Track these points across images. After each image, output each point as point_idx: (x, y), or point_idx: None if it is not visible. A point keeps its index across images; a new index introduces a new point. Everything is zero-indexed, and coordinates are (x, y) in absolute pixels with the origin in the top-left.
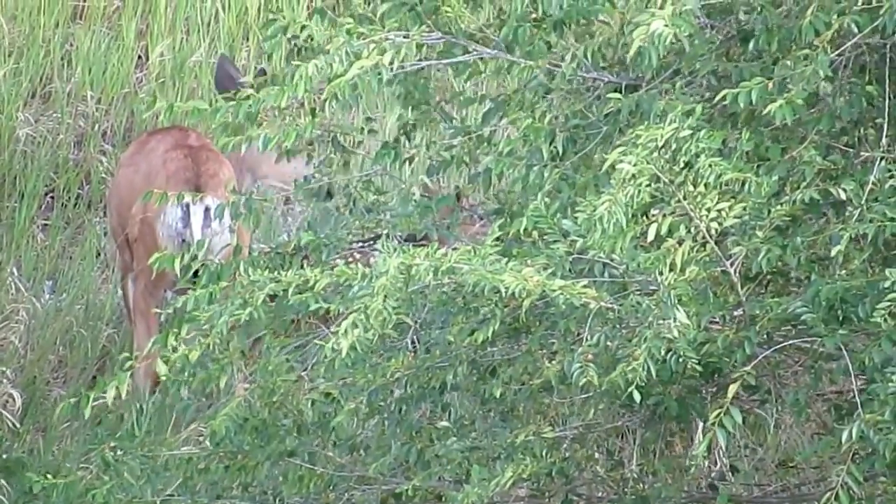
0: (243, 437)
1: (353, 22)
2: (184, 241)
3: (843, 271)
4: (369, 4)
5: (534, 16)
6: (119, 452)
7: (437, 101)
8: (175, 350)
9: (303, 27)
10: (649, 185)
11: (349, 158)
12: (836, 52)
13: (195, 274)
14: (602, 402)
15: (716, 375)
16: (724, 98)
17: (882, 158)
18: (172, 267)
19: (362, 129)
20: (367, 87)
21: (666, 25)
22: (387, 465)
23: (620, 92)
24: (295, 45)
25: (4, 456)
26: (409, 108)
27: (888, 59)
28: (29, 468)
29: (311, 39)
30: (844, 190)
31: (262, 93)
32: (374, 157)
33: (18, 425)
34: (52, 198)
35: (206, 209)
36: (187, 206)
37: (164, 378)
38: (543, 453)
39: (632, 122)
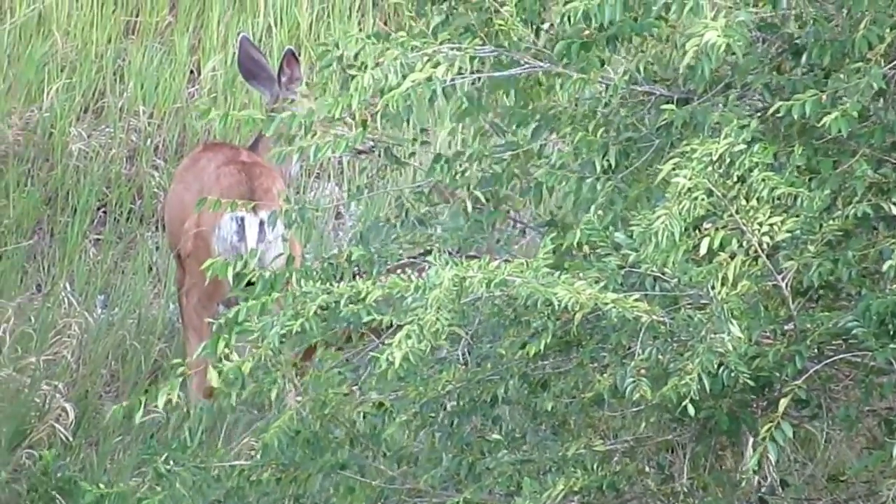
0: (295, 450)
1: (407, 36)
2: (240, 255)
3: (895, 285)
4: (422, 18)
5: (587, 32)
6: (171, 464)
7: (491, 119)
8: (226, 357)
9: (356, 43)
10: (704, 199)
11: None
12: (889, 66)
13: (248, 284)
14: (653, 415)
15: (766, 389)
16: (777, 111)
17: None
18: (226, 275)
19: (415, 139)
20: (419, 101)
21: (719, 36)
22: (438, 478)
23: (673, 104)
24: (347, 71)
25: (59, 474)
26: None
27: None
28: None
29: (364, 65)
30: (895, 204)
31: (316, 104)
32: (427, 170)
33: (71, 439)
34: (105, 212)
35: (261, 223)
36: (242, 219)
37: (216, 388)
38: (594, 467)
39: (685, 135)
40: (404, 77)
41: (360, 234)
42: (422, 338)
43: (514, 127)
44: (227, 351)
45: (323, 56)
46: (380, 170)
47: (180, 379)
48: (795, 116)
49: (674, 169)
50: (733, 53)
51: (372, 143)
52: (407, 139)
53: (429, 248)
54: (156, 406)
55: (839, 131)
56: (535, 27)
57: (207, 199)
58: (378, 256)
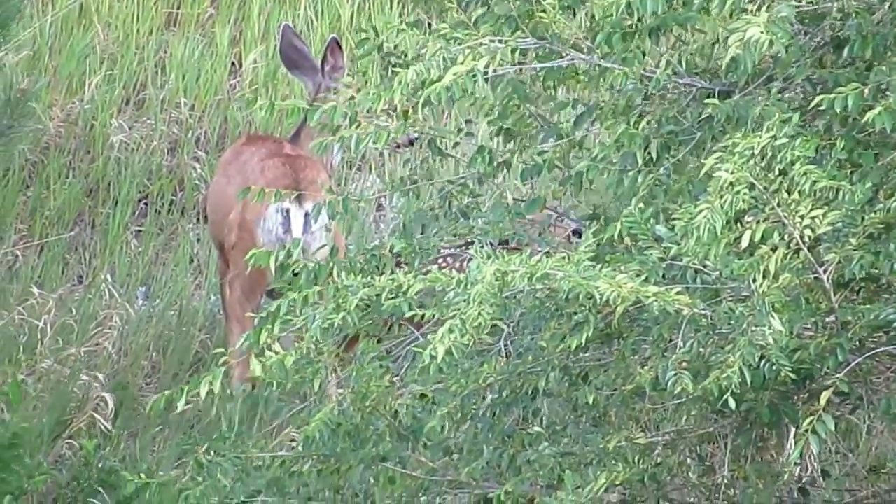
0: (336, 442)
1: (449, 28)
2: (284, 246)
3: None
4: (465, 8)
5: (629, 23)
6: (212, 454)
7: (535, 109)
8: (268, 348)
9: (397, 35)
10: (746, 193)
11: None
12: None
13: (294, 275)
14: (694, 408)
15: (808, 382)
16: (818, 104)
17: None
18: (268, 264)
19: (459, 130)
20: (462, 93)
21: (762, 32)
22: (479, 470)
23: (714, 97)
24: (389, 62)
25: (100, 464)
26: (507, 115)
27: None
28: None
29: (405, 55)
30: None
31: (359, 96)
32: (469, 161)
33: (111, 430)
34: (146, 204)
35: (306, 214)
36: (287, 211)
37: (258, 379)
38: (636, 459)
39: (727, 129)
40: (447, 70)
41: (403, 226)
42: (464, 332)
43: (556, 116)
44: (269, 342)
45: (363, 44)
46: (423, 161)
47: (222, 369)
48: (837, 110)
49: (716, 163)
50: (775, 47)
51: (415, 136)
52: (450, 130)
53: (471, 239)
54: (197, 395)
55: (882, 125)
56: (575, 16)
57: (250, 190)
58: (420, 248)
